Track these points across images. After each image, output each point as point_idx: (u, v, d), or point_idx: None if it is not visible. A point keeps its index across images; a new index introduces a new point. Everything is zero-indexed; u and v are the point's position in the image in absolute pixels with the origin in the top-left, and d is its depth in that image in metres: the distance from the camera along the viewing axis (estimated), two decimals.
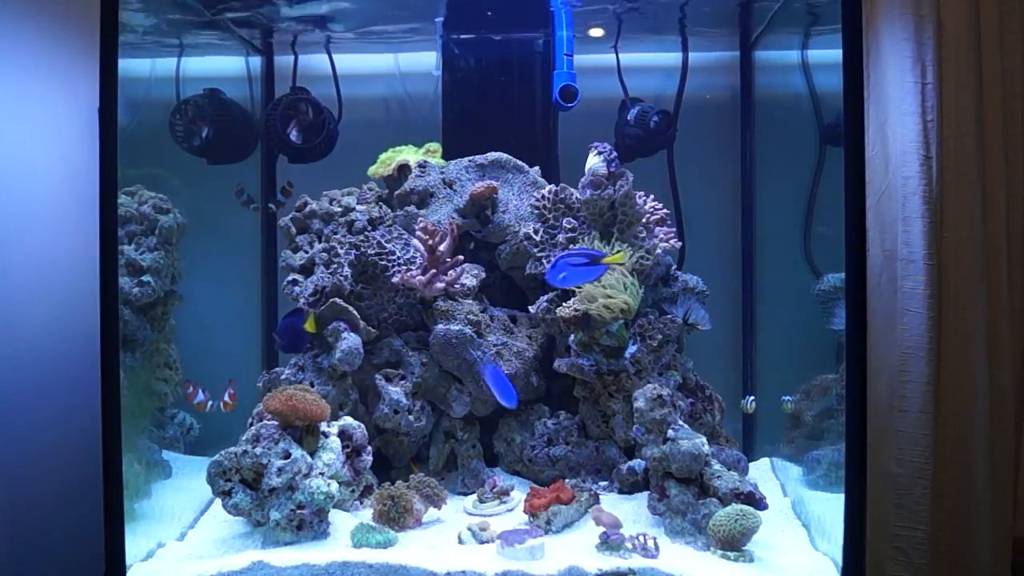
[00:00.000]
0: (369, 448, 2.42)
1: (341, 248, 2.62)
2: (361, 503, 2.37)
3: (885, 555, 1.93)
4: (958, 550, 1.94)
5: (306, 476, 2.13)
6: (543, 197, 2.67)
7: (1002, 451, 1.95)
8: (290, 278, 2.67)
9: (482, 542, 2.11)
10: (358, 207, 2.76)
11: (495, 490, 2.41)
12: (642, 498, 2.32)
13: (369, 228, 2.71)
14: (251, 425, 2.37)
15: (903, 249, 1.94)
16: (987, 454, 1.92)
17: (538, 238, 2.64)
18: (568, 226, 2.63)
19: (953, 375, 1.93)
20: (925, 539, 1.91)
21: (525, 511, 2.24)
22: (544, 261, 2.60)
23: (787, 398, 2.69)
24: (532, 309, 2.63)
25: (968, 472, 1.93)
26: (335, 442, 2.29)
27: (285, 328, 2.58)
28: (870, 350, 1.93)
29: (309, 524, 2.11)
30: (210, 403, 2.47)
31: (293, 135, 2.88)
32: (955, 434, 1.93)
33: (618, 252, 2.39)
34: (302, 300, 2.59)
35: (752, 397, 2.83)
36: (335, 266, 2.60)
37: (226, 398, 2.47)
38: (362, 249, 2.59)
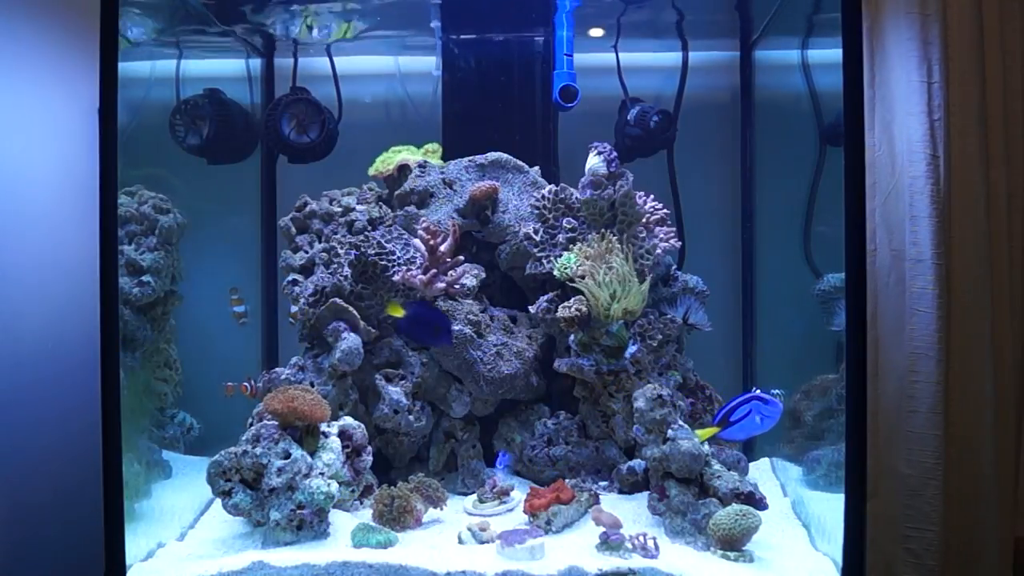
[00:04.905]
0: (369, 448, 2.42)
1: (341, 248, 2.61)
2: (361, 503, 2.37)
3: (896, 557, 1.92)
4: (967, 551, 1.93)
5: (306, 476, 2.13)
6: (543, 197, 2.67)
7: (1004, 450, 1.95)
8: (290, 278, 2.67)
9: (482, 542, 2.11)
10: (358, 207, 2.76)
11: (495, 490, 2.41)
12: (642, 498, 2.32)
13: (369, 228, 2.70)
14: (251, 425, 2.36)
15: (911, 249, 1.94)
16: (992, 454, 1.92)
17: (538, 238, 2.64)
18: (568, 226, 2.63)
19: (961, 375, 1.93)
20: (936, 540, 1.89)
21: (525, 511, 2.24)
22: (544, 261, 2.60)
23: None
24: (532, 309, 2.63)
25: (976, 472, 1.93)
26: (335, 442, 2.29)
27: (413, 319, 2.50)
28: (879, 351, 1.93)
29: (309, 524, 2.11)
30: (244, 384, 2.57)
31: (293, 135, 2.88)
32: (964, 434, 1.93)
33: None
34: (302, 300, 2.59)
35: None
36: (335, 266, 2.60)
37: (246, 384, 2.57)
38: (362, 249, 2.59)
